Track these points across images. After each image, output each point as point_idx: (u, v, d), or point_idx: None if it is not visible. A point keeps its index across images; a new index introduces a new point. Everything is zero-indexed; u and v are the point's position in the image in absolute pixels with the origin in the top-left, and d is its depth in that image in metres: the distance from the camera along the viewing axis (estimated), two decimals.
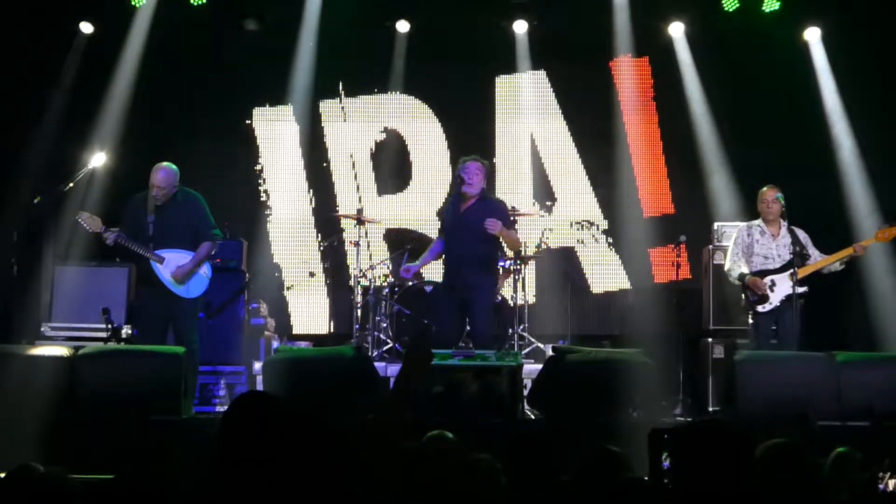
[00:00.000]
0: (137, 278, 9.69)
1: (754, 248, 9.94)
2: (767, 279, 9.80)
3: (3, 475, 4.45)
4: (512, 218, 10.50)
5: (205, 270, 9.49)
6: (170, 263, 9.26)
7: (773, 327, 9.83)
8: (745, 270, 9.90)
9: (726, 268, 10.17)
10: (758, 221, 10.05)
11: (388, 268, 11.88)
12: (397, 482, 4.37)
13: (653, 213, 12.87)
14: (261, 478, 3.70)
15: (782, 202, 9.76)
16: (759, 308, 9.81)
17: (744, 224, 10.23)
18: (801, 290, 9.68)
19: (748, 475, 3.66)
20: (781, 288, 9.75)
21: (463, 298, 9.73)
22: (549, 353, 9.59)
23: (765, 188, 9.98)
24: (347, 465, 3.94)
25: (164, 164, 9.43)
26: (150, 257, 9.22)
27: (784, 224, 9.88)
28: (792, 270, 9.69)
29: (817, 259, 9.85)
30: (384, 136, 13.06)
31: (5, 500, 4.22)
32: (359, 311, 11.45)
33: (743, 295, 9.97)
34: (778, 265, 9.83)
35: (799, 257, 9.63)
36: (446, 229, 9.95)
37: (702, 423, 4.00)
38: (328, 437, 3.91)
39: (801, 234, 9.88)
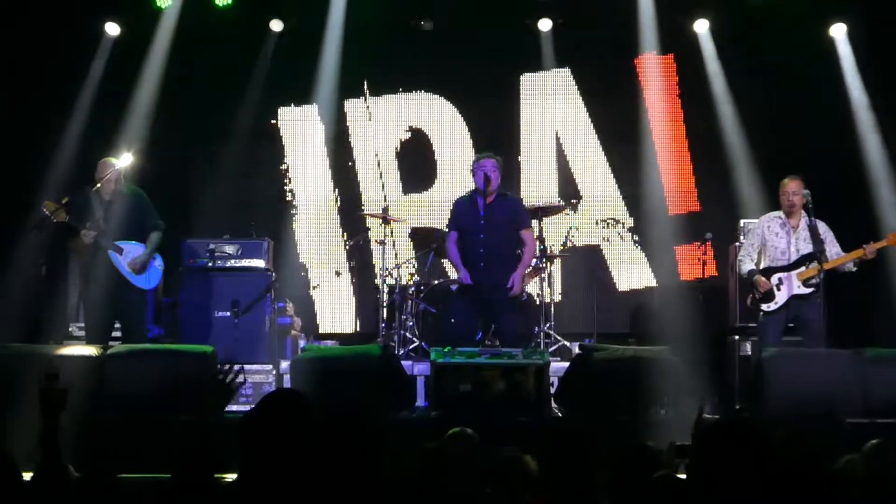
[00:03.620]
0: (87, 271, 9.86)
1: (772, 240, 9.81)
2: (774, 277, 9.67)
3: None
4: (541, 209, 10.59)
5: (158, 262, 9.93)
6: (127, 254, 9.63)
7: (791, 324, 9.76)
8: (753, 266, 9.82)
9: (737, 259, 10.12)
10: (779, 213, 9.91)
11: (414, 266, 11.89)
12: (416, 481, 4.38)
13: (678, 210, 12.85)
14: (286, 477, 3.69)
15: (809, 199, 9.61)
16: (764, 307, 9.67)
17: (765, 216, 10.08)
18: (806, 291, 9.56)
19: (767, 471, 3.67)
20: (789, 287, 9.64)
21: (488, 298, 9.72)
22: (576, 350, 9.59)
23: (786, 179, 9.81)
24: (375, 463, 3.94)
25: (111, 158, 9.86)
26: (111, 248, 9.56)
27: (804, 217, 9.68)
28: (803, 268, 9.62)
29: (831, 258, 9.61)
30: (409, 134, 13.08)
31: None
32: (385, 310, 11.47)
33: (751, 293, 9.90)
34: (793, 259, 9.71)
35: (820, 252, 9.43)
36: (466, 227, 9.90)
37: (722, 421, 4.00)
38: (357, 435, 3.91)
39: (822, 228, 9.65)
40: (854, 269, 9.75)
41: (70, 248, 9.96)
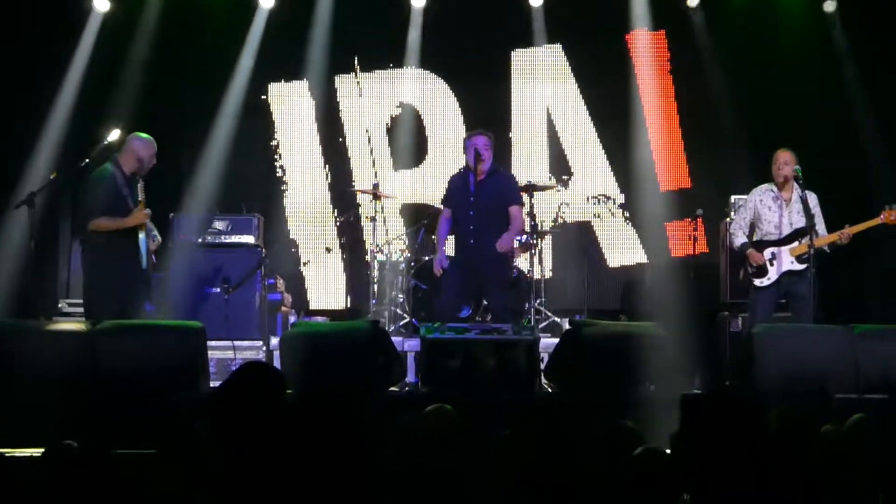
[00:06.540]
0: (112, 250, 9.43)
1: (764, 214, 9.81)
2: (767, 252, 9.68)
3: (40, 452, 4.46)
4: (525, 192, 10.52)
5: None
6: (149, 231, 9.43)
7: (782, 300, 9.78)
8: (746, 240, 9.81)
9: (729, 232, 10.11)
10: (771, 185, 9.87)
11: (405, 243, 11.87)
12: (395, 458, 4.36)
13: (669, 186, 12.84)
14: (259, 454, 3.64)
15: (799, 173, 9.60)
16: (757, 282, 9.69)
17: (757, 188, 10.04)
18: (799, 267, 9.55)
19: (760, 445, 3.67)
20: (781, 262, 9.64)
21: (478, 275, 9.72)
22: (566, 326, 9.59)
23: (778, 150, 9.81)
24: (363, 440, 3.92)
25: (142, 133, 9.53)
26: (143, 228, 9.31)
27: (797, 190, 9.66)
28: (795, 243, 9.61)
29: (821, 235, 9.63)
30: (400, 110, 13.03)
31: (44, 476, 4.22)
32: (375, 286, 11.46)
33: (743, 267, 9.90)
34: (785, 233, 9.71)
35: (811, 227, 9.40)
36: (457, 204, 9.90)
37: (712, 394, 3.99)
38: (346, 411, 3.89)
39: (813, 202, 9.64)
40: (828, 252, 9.71)
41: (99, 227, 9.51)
